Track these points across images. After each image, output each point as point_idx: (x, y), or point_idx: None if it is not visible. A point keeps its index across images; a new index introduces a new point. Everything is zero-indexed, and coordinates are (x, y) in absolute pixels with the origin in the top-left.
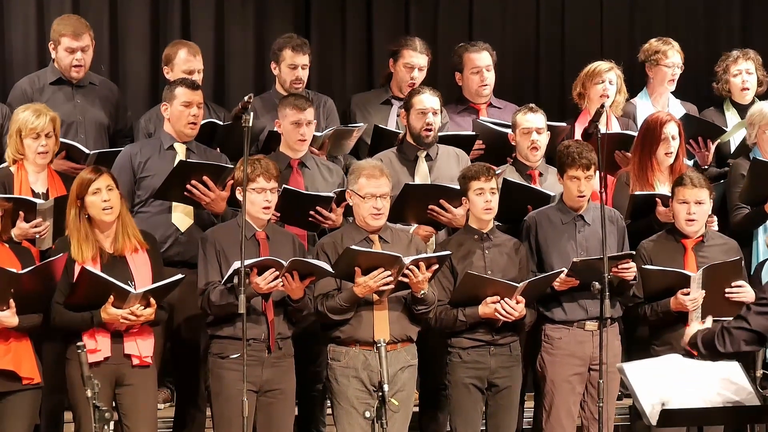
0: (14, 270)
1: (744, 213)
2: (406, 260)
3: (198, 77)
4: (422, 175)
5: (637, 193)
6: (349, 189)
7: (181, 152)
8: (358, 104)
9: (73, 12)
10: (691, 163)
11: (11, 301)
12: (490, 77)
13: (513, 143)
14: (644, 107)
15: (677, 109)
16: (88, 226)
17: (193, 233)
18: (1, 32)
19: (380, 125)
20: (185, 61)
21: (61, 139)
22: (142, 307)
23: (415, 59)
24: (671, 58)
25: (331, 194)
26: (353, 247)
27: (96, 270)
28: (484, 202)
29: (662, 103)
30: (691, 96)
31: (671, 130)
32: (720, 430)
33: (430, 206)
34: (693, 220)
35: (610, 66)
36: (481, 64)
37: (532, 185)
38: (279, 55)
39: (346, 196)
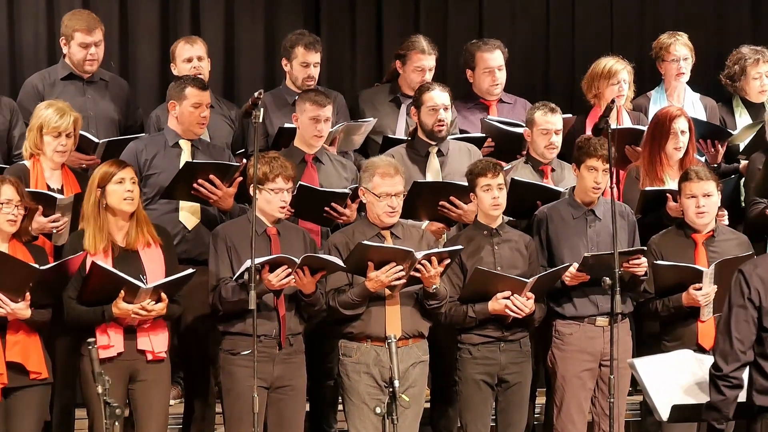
0: (35, 265)
1: (761, 207)
2: (418, 255)
3: (200, 65)
4: (434, 171)
5: (647, 188)
6: (363, 186)
7: (186, 149)
8: (366, 101)
9: (83, 7)
10: (702, 159)
11: (27, 294)
12: (502, 76)
13: (528, 139)
14: (659, 101)
15: (695, 103)
16: (105, 215)
17: (201, 231)
18: (11, 28)
19: (389, 125)
20: (185, 50)
21: None
22: (153, 302)
23: (425, 62)
24: (676, 51)
25: (347, 191)
26: (365, 242)
27: (106, 264)
28: (491, 198)
29: (677, 97)
30: (700, 90)
31: (681, 125)
32: (732, 426)
33: (441, 202)
34: (703, 213)
35: (624, 65)
36: (493, 65)
37: (543, 181)
38: (291, 52)
39: (359, 192)
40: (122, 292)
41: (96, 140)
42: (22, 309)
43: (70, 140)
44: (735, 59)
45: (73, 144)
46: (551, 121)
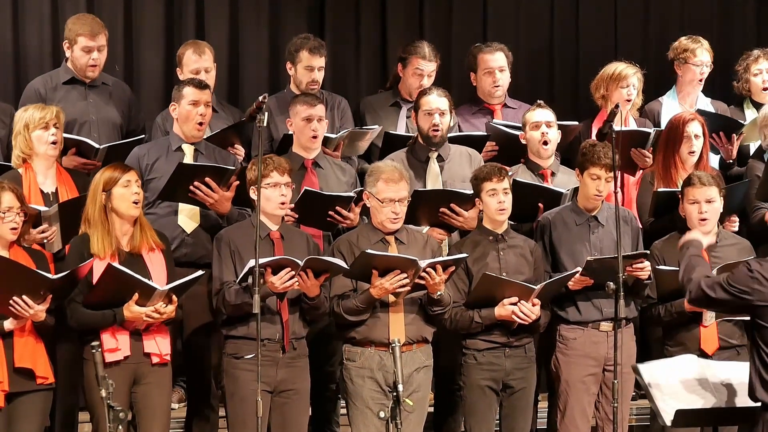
0: (48, 275)
1: (763, 213)
2: (423, 263)
3: (207, 76)
4: (433, 176)
5: (660, 189)
6: (367, 191)
7: (189, 153)
8: (367, 107)
9: (88, 11)
10: (717, 158)
11: (49, 297)
12: (503, 78)
13: (524, 141)
14: (671, 106)
15: (707, 107)
16: (112, 219)
17: (200, 235)
18: (15, 31)
19: (390, 129)
20: (193, 61)
21: (71, 135)
22: (164, 305)
23: (425, 67)
24: (699, 56)
25: (351, 194)
26: (369, 251)
27: (123, 267)
28: (497, 203)
29: (690, 102)
30: (707, 94)
31: (694, 129)
32: (734, 431)
33: (442, 209)
34: (705, 219)
35: (635, 70)
36: (493, 65)
37: (543, 184)
38: (295, 56)
39: (363, 197)
40: (136, 294)
41: (96, 145)
42: (41, 310)
43: (60, 132)
44: (742, 59)
45: (61, 138)
46: (539, 114)
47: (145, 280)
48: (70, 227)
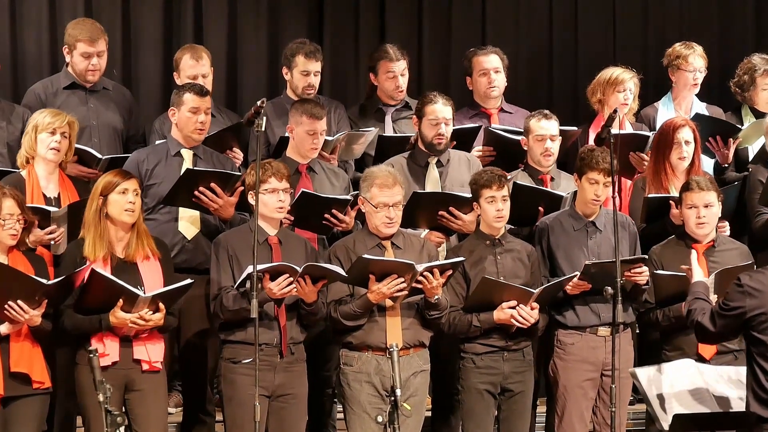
0: (43, 280)
1: (766, 218)
2: (420, 267)
3: (204, 81)
4: (433, 181)
5: (650, 195)
6: (362, 196)
7: (188, 158)
8: (352, 118)
9: (86, 15)
10: (711, 162)
11: (44, 302)
12: (499, 80)
13: (525, 148)
14: (666, 111)
15: (702, 112)
16: (105, 224)
17: (200, 241)
18: (13, 35)
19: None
20: (189, 66)
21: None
22: (151, 312)
23: (394, 67)
24: (693, 62)
25: (348, 197)
26: (366, 256)
27: (105, 272)
28: (495, 210)
29: (685, 108)
30: (705, 99)
31: (685, 134)
32: None
33: (440, 212)
34: (703, 224)
35: (632, 75)
36: (488, 67)
37: (543, 188)
38: (291, 60)
39: (358, 201)
40: (120, 300)
41: (99, 155)
42: (36, 315)
43: (65, 141)
44: (746, 68)
45: (68, 148)
46: (545, 127)
47: (128, 287)
48: (74, 230)
